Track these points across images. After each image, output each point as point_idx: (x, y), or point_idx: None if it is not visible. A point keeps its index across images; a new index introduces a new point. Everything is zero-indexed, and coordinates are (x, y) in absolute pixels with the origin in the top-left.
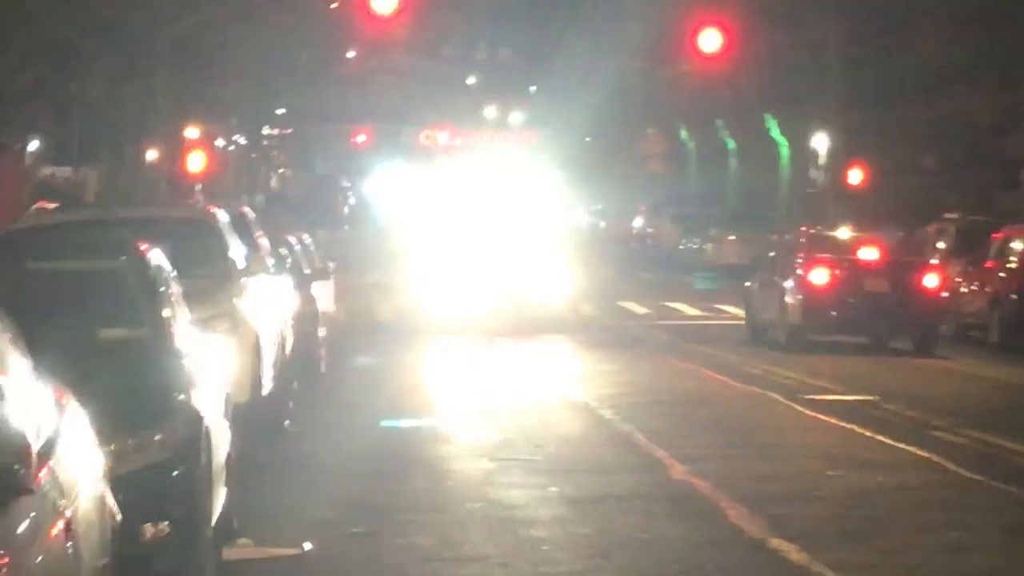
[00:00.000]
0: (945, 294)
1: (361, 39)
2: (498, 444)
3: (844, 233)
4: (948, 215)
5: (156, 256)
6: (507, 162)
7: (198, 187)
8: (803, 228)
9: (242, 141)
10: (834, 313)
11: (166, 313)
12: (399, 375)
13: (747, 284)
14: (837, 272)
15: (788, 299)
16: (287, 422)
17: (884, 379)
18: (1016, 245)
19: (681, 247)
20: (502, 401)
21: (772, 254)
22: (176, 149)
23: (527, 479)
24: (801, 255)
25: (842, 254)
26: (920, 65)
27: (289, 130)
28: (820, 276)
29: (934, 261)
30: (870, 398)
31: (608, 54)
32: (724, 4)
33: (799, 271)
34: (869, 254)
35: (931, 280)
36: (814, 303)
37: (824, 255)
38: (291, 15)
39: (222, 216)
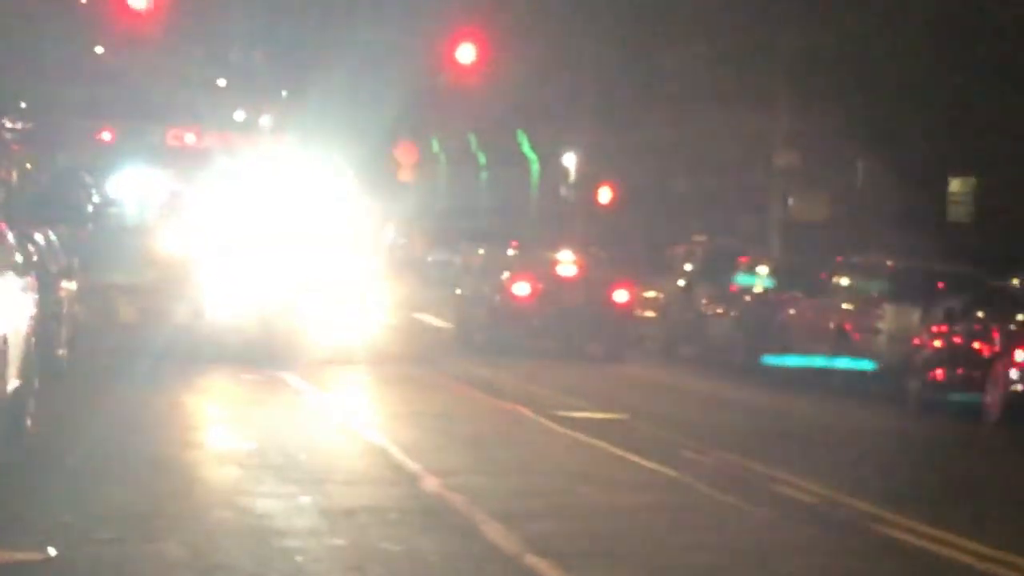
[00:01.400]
0: (633, 309)
1: (112, 35)
2: (248, 452)
3: (549, 250)
4: (695, 237)
5: None
6: (291, 164)
7: None
8: (512, 243)
9: None
10: (533, 322)
11: None
12: (141, 376)
13: (457, 291)
14: (538, 285)
15: (492, 307)
16: (29, 422)
17: (633, 398)
18: (761, 269)
19: (431, 259)
20: (250, 407)
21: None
22: None
23: (278, 488)
24: (507, 268)
25: (544, 269)
26: (672, 87)
27: (30, 124)
28: (522, 288)
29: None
30: (620, 416)
31: (363, 61)
32: (480, 17)
33: (504, 282)
34: (567, 270)
35: (620, 295)
36: (515, 312)
37: (527, 270)
38: (40, 6)
39: None
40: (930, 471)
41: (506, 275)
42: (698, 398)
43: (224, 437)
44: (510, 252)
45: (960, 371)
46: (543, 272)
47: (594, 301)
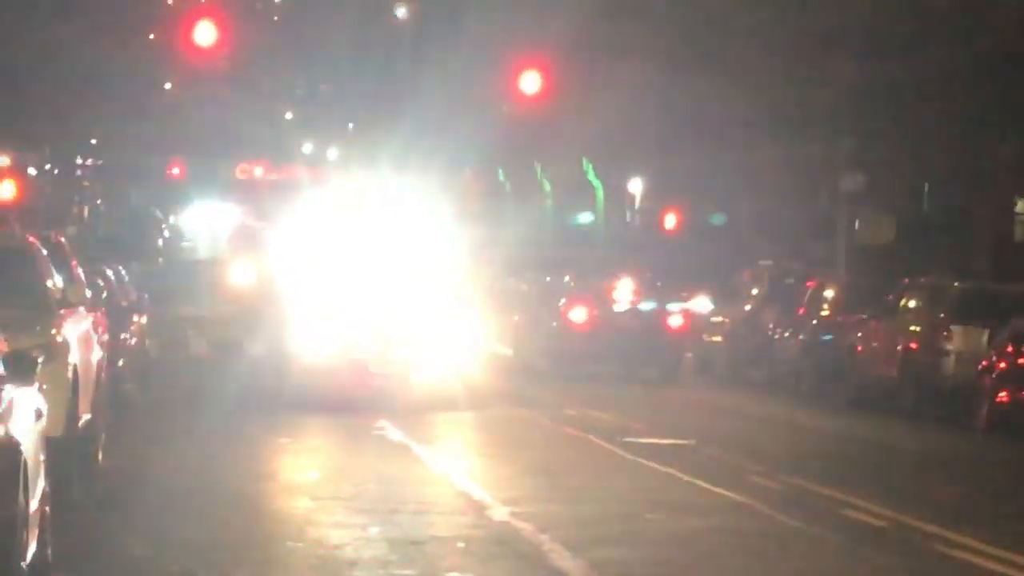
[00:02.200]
0: (687, 334)
1: (179, 70)
2: (317, 482)
3: (603, 276)
4: (762, 262)
5: None
6: (379, 195)
7: (11, 215)
8: (570, 271)
9: (55, 171)
10: (590, 347)
11: None
12: (212, 409)
13: (515, 319)
14: (593, 311)
15: (551, 334)
16: (100, 456)
17: (699, 423)
18: (829, 293)
19: (498, 287)
20: (319, 437)
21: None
22: None
23: (347, 519)
24: (564, 295)
25: (598, 295)
26: (737, 112)
27: (100, 161)
28: (578, 314)
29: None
30: (687, 442)
31: (428, 92)
32: (545, 45)
33: (561, 309)
34: (622, 295)
35: (674, 320)
36: (571, 338)
37: (583, 296)
38: (108, 44)
39: (40, 245)
40: (1000, 494)
41: (563, 302)
42: (765, 422)
43: (293, 468)
44: (567, 279)
45: None
46: (599, 298)
47: (648, 326)
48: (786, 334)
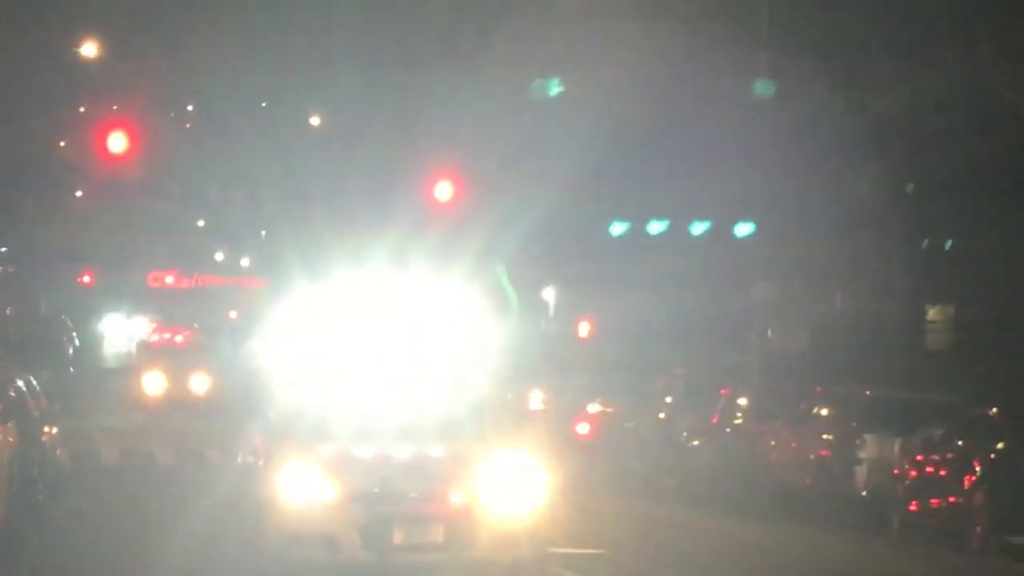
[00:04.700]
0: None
1: (91, 177)
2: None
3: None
4: (676, 369)
5: None
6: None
7: None
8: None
9: None
10: None
11: None
12: (124, 520)
13: None
14: None
15: None
16: (18, 566)
17: (615, 532)
18: (742, 401)
19: None
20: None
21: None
22: None
23: None
24: None
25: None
26: (637, 224)
27: (11, 268)
28: None
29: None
30: (602, 551)
31: (341, 200)
32: (457, 153)
33: None
34: (533, 404)
35: (582, 428)
36: None
37: None
38: (19, 150)
39: None
40: None
41: None
42: (680, 530)
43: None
44: None
45: (941, 500)
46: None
47: (555, 433)
48: (697, 442)
